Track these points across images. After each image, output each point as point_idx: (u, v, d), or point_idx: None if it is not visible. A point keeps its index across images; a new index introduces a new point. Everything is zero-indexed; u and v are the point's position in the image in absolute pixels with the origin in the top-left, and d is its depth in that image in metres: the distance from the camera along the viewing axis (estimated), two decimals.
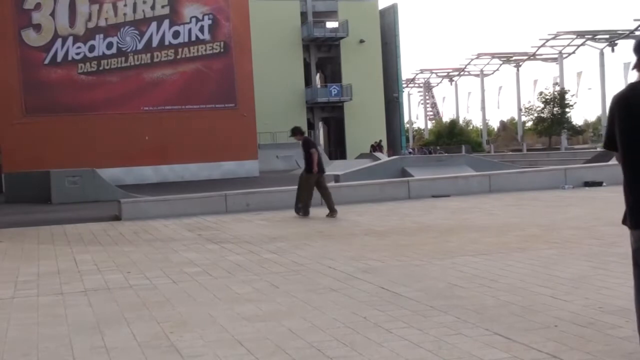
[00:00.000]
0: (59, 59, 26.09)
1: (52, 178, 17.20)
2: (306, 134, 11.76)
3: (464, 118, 75.93)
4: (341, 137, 47.46)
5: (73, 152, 23.93)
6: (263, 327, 4.40)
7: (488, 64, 61.47)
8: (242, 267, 6.78)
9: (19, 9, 25.39)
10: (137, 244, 8.94)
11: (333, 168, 24.85)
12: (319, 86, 48.16)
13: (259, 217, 11.62)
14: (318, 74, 49.40)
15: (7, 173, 21.73)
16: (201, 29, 27.74)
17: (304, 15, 45.55)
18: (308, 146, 11.28)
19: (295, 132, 11.76)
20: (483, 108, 63.81)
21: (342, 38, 45.83)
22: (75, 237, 10.01)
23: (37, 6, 25.62)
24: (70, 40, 26.15)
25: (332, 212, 11.00)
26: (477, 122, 75.56)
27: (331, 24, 48.11)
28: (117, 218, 12.06)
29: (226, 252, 7.84)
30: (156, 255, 7.86)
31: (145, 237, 9.57)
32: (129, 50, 26.87)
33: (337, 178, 17.30)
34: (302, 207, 11.30)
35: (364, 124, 45.10)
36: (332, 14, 47.20)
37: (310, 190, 11.37)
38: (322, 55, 47.68)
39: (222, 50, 28.00)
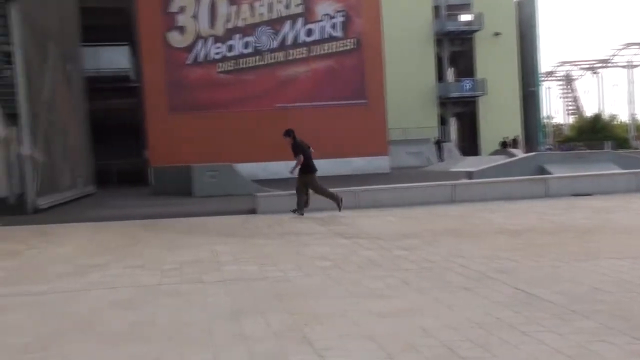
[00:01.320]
0: (200, 59, 27.40)
1: (193, 172, 18.11)
2: (296, 137, 12.07)
3: (609, 113, 71.62)
4: (474, 132, 46.32)
5: (212, 147, 25.07)
6: (394, 324, 4.39)
7: (637, 54, 57.48)
8: (373, 262, 6.80)
9: (165, 13, 26.94)
10: (272, 236, 9.22)
11: (465, 164, 24.30)
12: (451, 81, 47.24)
13: (389, 213, 11.59)
14: (451, 69, 48.47)
15: (154, 167, 23.19)
16: (333, 26, 28.08)
17: (436, 9, 44.85)
18: (295, 151, 11.80)
19: (285, 134, 12.11)
20: (631, 101, 59.80)
21: (476, 31, 44.67)
22: (214, 228, 10.48)
23: (181, 9, 27.05)
24: (210, 40, 27.40)
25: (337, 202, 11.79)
26: (623, 117, 70.96)
27: (465, 17, 47.02)
28: (253, 211, 12.49)
29: (357, 247, 7.89)
30: (289, 248, 8.06)
31: (279, 230, 9.85)
32: (264, 49, 27.73)
33: (470, 175, 16.90)
34: (298, 208, 11.77)
35: (498, 119, 43.74)
36: (465, 7, 46.14)
37: (302, 190, 11.83)
38: (455, 49, 46.74)
39: (353, 46, 28.19)
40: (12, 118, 16.35)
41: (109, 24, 27.79)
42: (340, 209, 11.73)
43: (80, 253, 8.31)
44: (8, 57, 15.48)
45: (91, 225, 11.74)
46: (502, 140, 40.30)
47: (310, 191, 11.95)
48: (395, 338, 4.06)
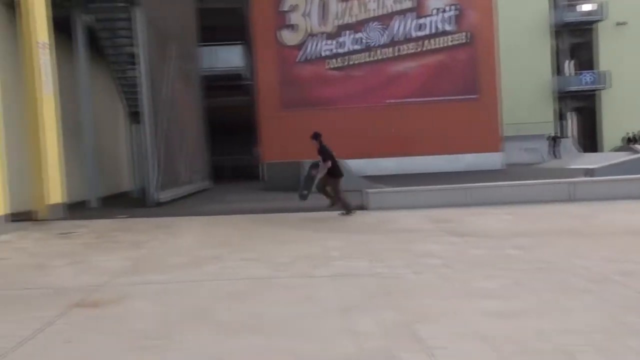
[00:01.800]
0: (310, 56, 27.78)
1: (303, 168, 18.36)
2: (322, 141, 11.97)
3: None
4: (594, 128, 44.07)
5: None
6: (508, 325, 4.27)
7: None
8: (484, 261, 6.65)
9: (277, 12, 27.51)
10: (381, 233, 9.21)
11: (584, 161, 23.16)
12: (570, 74, 45.18)
13: (502, 211, 11.26)
14: (569, 61, 46.35)
15: (266, 163, 23.77)
16: (445, 20, 27.62)
17: None
18: (323, 156, 11.69)
19: (313, 137, 12.04)
20: None
21: (598, 21, 42.45)
22: (324, 224, 10.61)
23: (293, 8, 27.53)
24: (320, 38, 27.71)
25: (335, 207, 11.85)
26: None
27: (585, 7, 44.77)
28: (362, 207, 12.53)
29: (468, 245, 7.73)
30: (399, 245, 8.02)
31: (389, 227, 9.81)
32: (374, 45, 27.70)
33: (590, 172, 16.10)
34: (344, 206, 11.76)
35: (621, 114, 41.35)
36: None
37: (337, 189, 11.84)
38: (574, 40, 44.61)
39: (466, 40, 27.60)
40: (135, 116, 17.31)
41: (224, 24, 28.74)
42: (349, 214, 11.61)
43: (198, 245, 8.66)
44: (132, 58, 16.38)
45: (207, 218, 12.19)
46: (625, 135, 38.04)
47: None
48: (509, 340, 3.95)
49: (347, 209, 11.62)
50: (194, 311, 5.01)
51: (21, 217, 12.07)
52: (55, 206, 12.77)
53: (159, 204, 14.92)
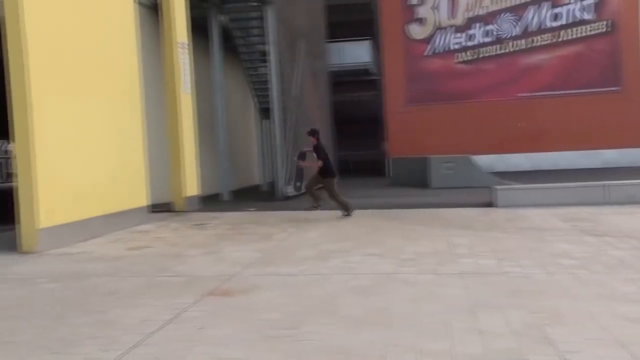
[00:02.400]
0: (439, 49, 27.35)
1: (430, 164, 18.17)
2: (320, 139, 11.68)
3: None
4: None
5: (449, 138, 24.94)
6: None
7: None
8: (625, 263, 6.26)
9: (405, 6, 27.32)
10: (510, 231, 8.92)
11: None
12: None
13: None
14: None
15: (391, 158, 23.72)
16: (583, 9, 26.20)
17: None
18: (319, 153, 11.40)
19: (310, 133, 11.70)
20: None
21: None
22: (450, 220, 10.43)
23: (422, 1, 27.22)
24: (449, 31, 27.21)
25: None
26: None
27: None
28: (490, 204, 12.19)
29: (606, 246, 7.32)
30: (529, 243, 7.73)
31: (518, 225, 9.49)
32: (506, 36, 26.81)
33: None
34: (343, 207, 11.52)
35: None
36: None
37: (332, 191, 11.60)
38: None
39: (606, 29, 26.04)
40: (265, 112, 17.86)
41: (352, 20, 28.94)
42: (348, 215, 11.39)
43: (324, 239, 8.81)
44: (263, 56, 16.92)
45: (332, 213, 12.35)
46: None
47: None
48: None
49: (347, 210, 11.45)
50: (320, 304, 5.11)
51: (160, 208, 12.83)
52: (191, 198, 13.48)
53: (287, 198, 15.31)
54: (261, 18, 16.19)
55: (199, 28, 16.03)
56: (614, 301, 4.83)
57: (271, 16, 15.71)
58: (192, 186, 13.66)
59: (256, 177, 22.05)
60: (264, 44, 16.41)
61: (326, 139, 22.24)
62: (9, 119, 8.10)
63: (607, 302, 4.80)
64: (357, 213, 11.77)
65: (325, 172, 11.45)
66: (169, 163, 13.44)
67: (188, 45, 13.91)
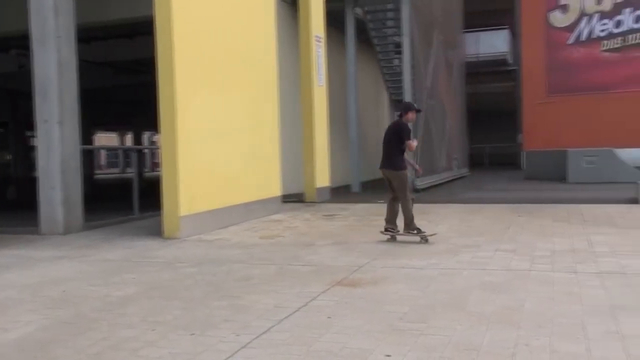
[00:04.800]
0: (583, 37, 25.90)
1: (568, 157, 17.34)
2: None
3: None
4: None
5: (591, 131, 23.57)
6: None
7: None
8: None
9: None
10: None
11: None
12: None
13: None
14: None
15: (527, 151, 22.86)
16: None
17: None
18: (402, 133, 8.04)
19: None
20: None
21: None
22: (590, 217, 9.91)
23: None
24: (595, 17, 25.70)
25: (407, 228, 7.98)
26: None
27: None
28: (636, 201, 11.45)
29: None
30: None
31: None
32: None
33: None
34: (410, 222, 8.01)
35: None
36: None
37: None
38: None
39: None
40: (398, 104, 17.81)
41: (489, 8, 28.12)
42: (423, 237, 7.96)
43: (454, 233, 8.67)
44: (398, 47, 16.87)
45: (465, 206, 12.14)
46: None
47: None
48: None
49: (414, 227, 8.07)
50: (449, 298, 5.05)
51: (292, 198, 13.20)
52: (322, 189, 13.75)
53: (417, 190, 15.20)
54: (396, 9, 16.15)
55: (334, 21, 16.26)
56: None
57: (406, 7, 15.62)
58: (323, 177, 13.92)
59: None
60: (398, 35, 16.37)
61: (459, 131, 21.84)
62: (156, 112, 8.65)
63: None
64: (490, 207, 11.46)
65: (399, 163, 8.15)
66: (302, 154, 13.77)
67: (323, 38, 14.16)
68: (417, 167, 9.22)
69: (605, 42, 25.59)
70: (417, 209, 11.75)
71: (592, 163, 17.02)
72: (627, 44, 25.33)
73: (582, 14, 25.76)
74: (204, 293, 5.43)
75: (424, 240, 7.78)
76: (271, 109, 11.69)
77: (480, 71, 27.04)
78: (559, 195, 13.52)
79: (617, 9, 25.35)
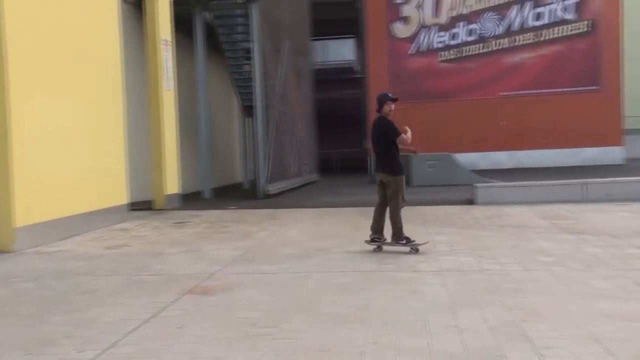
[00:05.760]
0: (423, 48, 27.41)
1: (412, 161, 18.22)
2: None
3: None
4: None
5: (433, 137, 24.96)
6: (625, 328, 4.05)
7: None
8: (601, 260, 6.33)
9: (390, 4, 27.34)
10: (490, 228, 8.98)
11: None
12: None
13: (623, 208, 10.66)
14: None
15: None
16: (565, 9, 26.39)
17: None
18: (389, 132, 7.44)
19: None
20: None
21: None
22: (432, 218, 10.47)
23: (406, 0, 27.28)
24: (433, 30, 27.29)
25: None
26: None
27: None
28: (471, 202, 12.26)
29: (584, 243, 7.38)
30: (508, 241, 7.79)
31: (498, 223, 9.55)
32: (489, 35, 26.95)
33: None
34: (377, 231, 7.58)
35: None
36: None
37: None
38: None
39: (587, 29, 26.25)
40: (249, 110, 17.81)
41: (337, 17, 28.96)
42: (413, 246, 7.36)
43: (305, 237, 8.80)
44: (248, 53, 16.86)
45: (315, 211, 12.36)
46: None
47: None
48: (625, 343, 3.75)
49: (403, 237, 7.45)
50: (300, 301, 5.11)
51: (140, 206, 12.76)
52: (171, 196, 13.41)
53: (269, 196, 15.29)
54: (246, 15, 16.13)
55: (182, 25, 15.95)
56: (590, 298, 4.88)
57: (256, 14, 15.66)
58: (172, 184, 13.59)
59: (238, 175, 21.99)
60: (248, 41, 16.36)
61: (309, 136, 22.27)
62: None
63: (583, 299, 4.84)
64: (340, 211, 11.76)
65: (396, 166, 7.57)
66: (150, 161, 13.36)
67: (171, 42, 13.84)
68: (413, 148, 8.06)
69: (443, 53, 27.26)
70: (268, 214, 11.87)
71: (433, 167, 18.00)
72: (462, 55, 27.16)
73: (422, 26, 27.26)
74: (43, 309, 5.09)
75: (414, 250, 7.12)
76: (116, 114, 11.23)
77: (329, 78, 27.76)
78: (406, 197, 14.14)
79: (452, 23, 27.11)
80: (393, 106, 7.57)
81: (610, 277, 5.54)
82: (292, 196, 15.93)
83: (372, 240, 7.51)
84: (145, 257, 7.45)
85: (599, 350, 3.66)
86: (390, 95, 7.70)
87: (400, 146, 7.47)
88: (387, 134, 7.42)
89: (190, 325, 4.49)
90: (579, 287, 5.25)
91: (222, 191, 17.64)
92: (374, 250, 7.43)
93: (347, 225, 9.96)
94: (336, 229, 9.54)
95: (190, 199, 14.74)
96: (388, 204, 7.49)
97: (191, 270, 6.56)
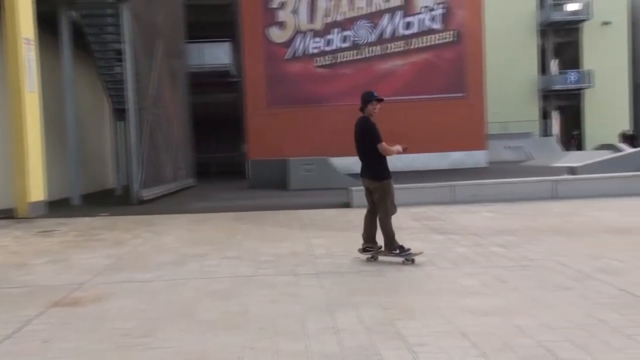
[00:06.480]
0: (298, 53, 27.72)
1: (289, 166, 18.36)
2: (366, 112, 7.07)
3: None
4: (578, 127, 44.39)
5: (310, 141, 25.33)
6: (489, 322, 4.28)
7: None
8: (468, 259, 6.66)
9: (265, 9, 27.43)
10: None
11: (568, 160, 23.34)
12: (555, 73, 45.43)
13: (486, 208, 11.31)
14: (555, 60, 46.61)
15: (251, 160, 23.71)
16: (433, 19, 27.66)
17: None
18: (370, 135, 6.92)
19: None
20: None
21: (583, 21, 42.70)
22: (309, 221, 10.59)
23: (282, 5, 27.46)
24: (309, 35, 27.67)
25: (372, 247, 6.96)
26: None
27: (571, 6, 45.05)
28: (347, 205, 12.53)
29: (452, 243, 7.75)
30: (383, 242, 8.00)
31: None
32: (362, 42, 27.70)
33: (572, 170, 16.22)
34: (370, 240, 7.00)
35: (604, 113, 41.71)
36: None
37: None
38: (560, 40, 44.86)
39: (453, 39, 27.66)
40: (120, 113, 17.19)
41: (213, 20, 28.64)
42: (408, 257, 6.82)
43: (181, 243, 8.62)
44: (119, 55, 16.27)
45: (191, 216, 12.14)
46: (623, 132, 38.36)
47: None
48: (489, 336, 3.96)
49: (396, 247, 6.95)
50: (176, 309, 4.98)
51: (1, 215, 11.96)
52: (36, 204, 12.67)
53: (143, 202, 14.83)
54: (116, 15, 15.57)
55: (48, 24, 15.14)
56: (458, 295, 5.12)
57: (127, 14, 15.14)
58: (37, 191, 12.83)
59: (110, 180, 21.17)
60: (119, 42, 15.78)
61: (184, 141, 21.83)
62: None
63: (451, 296, 5.07)
64: (216, 216, 11.61)
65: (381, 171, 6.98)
66: (12, 166, 12.55)
67: (34, 41, 13.08)
68: (399, 148, 7.03)
69: (318, 58, 27.73)
70: (142, 221, 11.50)
71: (310, 171, 18.22)
72: (337, 61, 27.74)
73: (297, 32, 27.58)
74: None
75: (409, 261, 6.53)
76: None
77: (205, 82, 27.39)
78: (282, 202, 14.23)
79: (327, 29, 27.63)
80: (378, 106, 7.05)
81: (476, 274, 5.84)
82: (167, 202, 15.55)
83: (364, 250, 6.94)
84: (7, 269, 6.98)
85: (466, 345, 3.84)
86: (376, 94, 7.07)
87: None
88: (368, 136, 6.88)
89: (57, 339, 4.25)
90: (448, 285, 5.50)
91: (93, 197, 16.91)
92: (367, 260, 6.80)
93: (223, 230, 9.86)
94: (213, 235, 9.41)
95: (58, 206, 14.00)
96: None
97: (58, 281, 6.22)
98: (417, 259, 6.59)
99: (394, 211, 6.83)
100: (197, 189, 20.72)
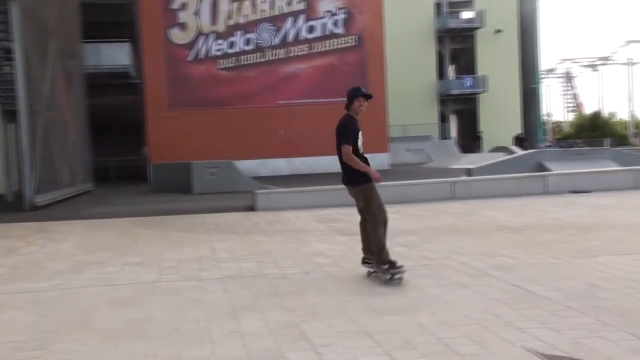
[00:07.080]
0: (201, 55, 27.37)
1: (192, 169, 18.07)
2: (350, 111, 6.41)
3: (608, 110, 71.58)
4: (474, 129, 46.30)
5: (213, 144, 25.04)
6: (392, 321, 4.38)
7: (637, 52, 57.45)
8: None
9: (166, 9, 26.89)
10: (270, 234, 9.20)
11: (465, 161, 24.30)
12: (452, 78, 47.18)
13: (389, 210, 11.54)
14: (452, 66, 48.41)
15: (153, 164, 23.17)
16: (335, 23, 28.05)
17: (438, 6, 44.79)
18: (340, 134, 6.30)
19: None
20: (630, 99, 59.86)
21: (477, 28, 44.61)
22: (213, 226, 10.47)
23: (183, 6, 27.01)
24: (211, 37, 27.36)
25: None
26: (623, 115, 71.02)
27: (466, 14, 46.95)
28: (252, 208, 12.48)
29: (356, 244, 7.82)
30: (288, 245, 8.05)
31: (278, 228, 9.83)
32: (265, 45, 27.69)
33: (469, 172, 16.88)
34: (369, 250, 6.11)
35: (498, 117, 43.76)
36: (467, 4, 46.06)
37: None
38: (456, 46, 46.67)
39: (355, 43, 28.16)
40: (11, 114, 16.34)
41: (110, 20, 27.77)
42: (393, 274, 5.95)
43: (79, 250, 8.30)
44: (8, 54, 15.46)
45: (90, 222, 11.73)
46: (517, 135, 40.52)
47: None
48: (392, 335, 4.05)
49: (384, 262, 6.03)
50: (74, 319, 4.79)
51: None
52: None
53: (37, 208, 14.17)
54: (5, 12, 14.78)
55: None
56: (362, 295, 5.21)
57: (16, 11, 14.42)
58: None
59: (0, 186, 20.07)
60: (8, 40, 15.00)
61: (82, 144, 21.04)
62: None
63: (355, 297, 5.16)
64: (116, 221, 11.27)
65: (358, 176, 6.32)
66: None
67: None
68: (375, 173, 6.32)
69: (222, 61, 27.48)
70: (36, 227, 10.98)
71: (214, 174, 18.01)
72: (240, 63, 27.59)
73: (200, 33, 27.22)
74: None
75: (396, 280, 5.57)
76: None
77: (104, 83, 26.54)
78: (185, 206, 13.99)
79: (230, 31, 27.44)
80: (365, 103, 6.28)
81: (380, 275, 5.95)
82: (63, 207, 14.94)
83: (364, 262, 6.13)
84: None
85: (370, 344, 3.91)
86: (363, 90, 6.35)
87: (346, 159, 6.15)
88: (337, 135, 6.15)
89: None
90: (352, 286, 5.58)
91: None
92: (369, 275, 5.97)
93: (123, 236, 9.58)
94: (112, 241, 9.12)
95: None
96: None
97: None
98: (402, 276, 5.64)
99: (383, 216, 6.09)
100: (95, 194, 20.03)
